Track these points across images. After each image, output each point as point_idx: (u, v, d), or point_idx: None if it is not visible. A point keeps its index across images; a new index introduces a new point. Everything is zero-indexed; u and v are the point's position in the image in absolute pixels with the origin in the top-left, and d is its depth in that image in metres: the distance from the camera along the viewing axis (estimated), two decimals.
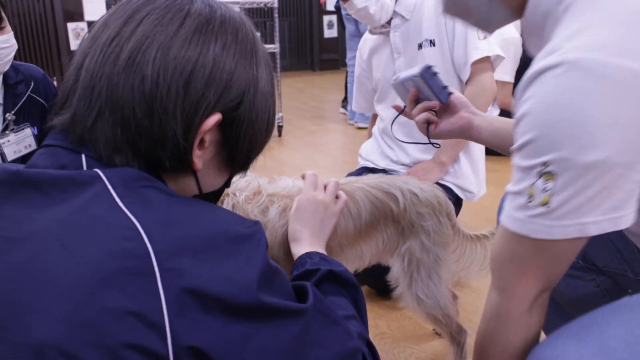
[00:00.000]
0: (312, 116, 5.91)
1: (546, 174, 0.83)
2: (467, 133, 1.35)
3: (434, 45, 2.25)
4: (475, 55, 2.19)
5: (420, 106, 1.38)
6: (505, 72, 4.05)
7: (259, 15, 8.47)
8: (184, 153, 0.75)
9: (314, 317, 0.77)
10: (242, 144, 0.80)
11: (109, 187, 0.68)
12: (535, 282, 0.91)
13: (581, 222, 0.82)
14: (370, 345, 0.89)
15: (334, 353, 0.79)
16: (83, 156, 0.72)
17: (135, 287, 0.61)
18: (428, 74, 1.34)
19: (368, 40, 2.50)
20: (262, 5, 4.90)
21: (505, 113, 4.29)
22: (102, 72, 0.72)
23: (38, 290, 0.61)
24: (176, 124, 0.73)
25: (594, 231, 0.83)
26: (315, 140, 4.94)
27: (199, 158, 0.76)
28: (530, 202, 0.85)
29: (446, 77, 2.26)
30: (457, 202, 2.36)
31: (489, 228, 1.67)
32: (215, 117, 0.74)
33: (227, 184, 0.88)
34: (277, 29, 4.95)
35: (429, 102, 1.36)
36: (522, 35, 1.06)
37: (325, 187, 1.30)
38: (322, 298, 0.83)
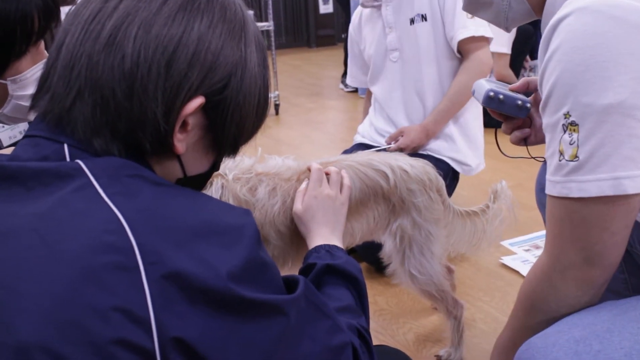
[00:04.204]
0: (309, 93, 5.85)
1: (570, 125, 0.82)
2: None
3: (425, 20, 2.22)
4: (461, 35, 2.18)
5: (506, 128, 1.25)
6: (502, 44, 4.01)
7: None
8: (164, 136, 0.71)
9: (304, 310, 0.76)
10: (229, 128, 0.76)
11: (92, 179, 0.66)
12: (573, 247, 0.89)
13: (615, 176, 0.80)
14: (363, 337, 0.88)
15: (323, 346, 0.78)
16: (65, 146, 0.69)
17: (119, 282, 0.60)
18: (493, 103, 1.18)
19: (360, 13, 2.47)
20: None
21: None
22: (83, 51, 0.69)
23: (20, 288, 0.60)
24: (157, 106, 0.69)
25: (631, 188, 0.81)
26: (312, 117, 4.91)
27: (181, 142, 0.73)
28: (562, 159, 0.84)
29: (441, 51, 2.25)
30: (454, 176, 2.34)
31: (488, 198, 1.66)
32: (198, 101, 0.71)
33: (216, 167, 0.85)
34: (270, 6, 4.90)
35: (513, 121, 1.23)
36: (541, 30, 1.05)
37: (327, 178, 1.30)
38: (314, 291, 0.81)
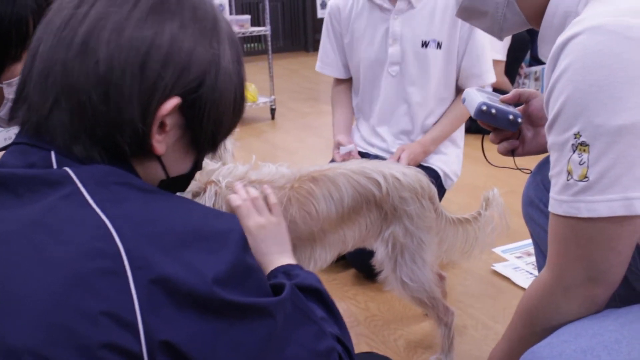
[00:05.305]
0: (306, 98, 5.83)
1: (580, 145, 0.81)
2: None
3: (440, 47, 2.12)
4: (489, 79, 2.18)
5: (495, 138, 1.27)
6: (497, 51, 4.02)
7: None
8: (143, 138, 0.72)
9: (290, 313, 0.77)
10: (207, 126, 0.77)
11: (80, 185, 0.67)
12: (577, 266, 0.88)
13: (627, 196, 0.80)
14: (343, 343, 0.89)
15: (310, 351, 0.79)
16: (52, 153, 0.70)
17: (107, 287, 0.61)
18: (485, 116, 1.19)
19: (352, 1, 2.25)
20: None
21: (498, 91, 4.29)
22: (57, 59, 0.70)
23: (10, 293, 0.61)
24: (133, 108, 0.70)
25: None
26: (308, 122, 4.91)
27: (161, 143, 0.74)
28: (570, 179, 0.83)
29: (446, 79, 2.20)
30: (440, 188, 2.30)
31: (480, 206, 1.67)
32: (174, 101, 0.72)
33: (198, 166, 0.85)
34: (267, 11, 4.90)
35: (503, 132, 1.25)
36: (538, 43, 1.06)
37: (254, 203, 1.23)
38: (300, 296, 0.82)
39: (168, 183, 0.81)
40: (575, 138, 0.81)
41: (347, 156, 2.24)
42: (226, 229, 0.71)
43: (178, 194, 1.35)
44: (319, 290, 0.97)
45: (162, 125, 0.74)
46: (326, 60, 2.43)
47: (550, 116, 0.85)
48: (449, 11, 2.08)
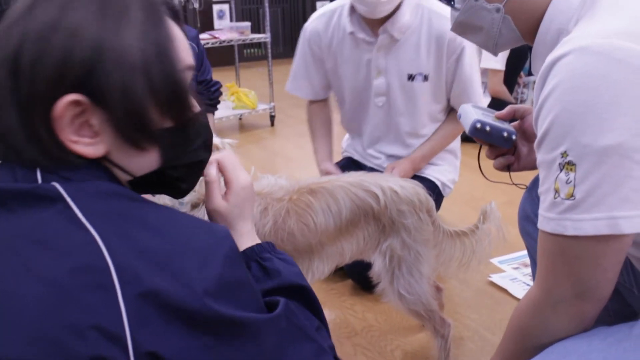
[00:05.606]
0: (305, 104, 5.81)
1: (567, 165, 0.82)
2: None
3: (426, 80, 2.10)
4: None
5: (490, 154, 1.28)
6: (496, 60, 4.05)
7: (250, 2, 8.42)
8: (53, 146, 0.70)
9: (284, 330, 0.76)
10: (128, 112, 0.71)
11: (70, 201, 0.67)
12: (565, 282, 0.89)
13: (612, 215, 0.80)
14: (337, 357, 0.88)
15: None
16: (38, 171, 0.70)
17: (95, 301, 0.62)
18: (479, 133, 1.19)
19: (333, 26, 2.16)
20: None
21: (497, 100, 4.29)
22: None
23: (0, 307, 0.62)
24: (14, 118, 0.69)
25: (627, 228, 0.81)
26: (308, 129, 4.91)
27: (89, 145, 0.71)
28: (557, 197, 0.84)
29: (436, 108, 2.18)
30: (438, 197, 2.32)
31: (477, 219, 1.68)
32: (66, 99, 0.68)
33: (168, 159, 0.78)
34: (267, 17, 4.92)
35: (498, 148, 1.25)
36: (531, 58, 1.06)
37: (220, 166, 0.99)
38: (296, 313, 0.81)
39: (141, 183, 0.78)
40: (562, 157, 0.82)
41: None
42: (215, 242, 0.71)
43: (178, 200, 1.38)
44: (302, 288, 0.89)
45: (88, 126, 0.71)
46: (300, 83, 2.37)
47: (538, 134, 0.86)
48: (433, 43, 2.05)
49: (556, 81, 0.83)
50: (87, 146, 0.71)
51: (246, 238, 0.96)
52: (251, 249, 0.93)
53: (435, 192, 2.23)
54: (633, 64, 0.78)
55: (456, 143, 2.37)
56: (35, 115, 0.69)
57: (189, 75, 0.78)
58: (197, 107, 0.81)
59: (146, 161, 0.77)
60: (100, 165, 0.73)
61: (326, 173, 2.23)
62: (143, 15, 0.72)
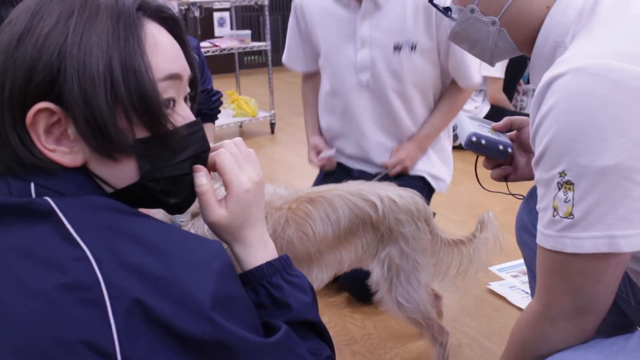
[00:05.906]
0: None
1: (565, 184, 0.83)
2: None
3: (414, 49, 2.00)
4: (475, 79, 2.09)
5: (488, 164, 1.28)
6: (496, 68, 4.06)
7: (251, 10, 8.45)
8: (29, 153, 0.71)
9: (283, 357, 0.74)
10: (91, 122, 0.70)
11: (60, 215, 0.67)
12: (564, 297, 0.90)
13: (610, 234, 0.81)
14: None
15: None
16: (32, 184, 0.71)
17: (85, 316, 0.62)
18: (475, 146, 1.20)
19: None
20: (252, 2, 4.89)
21: (496, 108, 4.29)
22: None
23: None
24: None
25: (626, 247, 0.82)
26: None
27: (67, 154, 0.72)
28: (555, 215, 0.85)
29: (431, 81, 2.10)
30: (429, 192, 2.25)
31: (475, 228, 1.69)
32: (36, 107, 0.69)
33: (147, 171, 0.76)
34: (267, 26, 4.94)
35: (495, 159, 1.26)
36: (529, 70, 1.07)
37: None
38: (298, 342, 0.78)
39: (125, 195, 0.76)
40: (560, 176, 0.83)
41: (327, 161, 2.25)
42: (208, 257, 0.70)
43: (177, 216, 1.39)
44: (314, 324, 0.85)
45: (63, 134, 0.72)
46: (292, 54, 2.38)
47: (536, 153, 0.87)
48: (421, 10, 1.96)
49: (553, 101, 0.83)
50: (65, 155, 0.72)
51: (256, 248, 0.86)
52: (260, 270, 0.84)
53: (427, 189, 2.21)
54: (629, 85, 0.79)
55: (446, 131, 2.30)
56: (5, 121, 0.70)
57: (171, 85, 0.76)
58: (186, 118, 0.80)
59: (124, 172, 0.75)
60: (88, 177, 0.74)
61: (314, 147, 2.27)
62: (111, 23, 0.71)
